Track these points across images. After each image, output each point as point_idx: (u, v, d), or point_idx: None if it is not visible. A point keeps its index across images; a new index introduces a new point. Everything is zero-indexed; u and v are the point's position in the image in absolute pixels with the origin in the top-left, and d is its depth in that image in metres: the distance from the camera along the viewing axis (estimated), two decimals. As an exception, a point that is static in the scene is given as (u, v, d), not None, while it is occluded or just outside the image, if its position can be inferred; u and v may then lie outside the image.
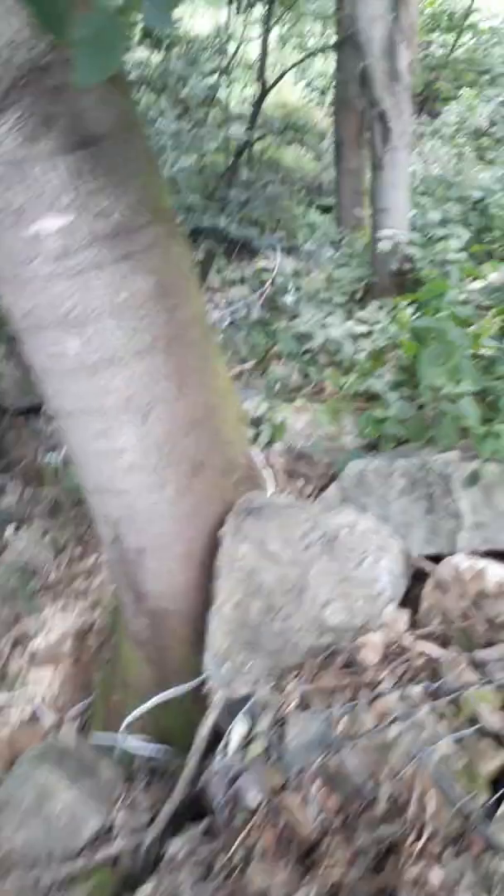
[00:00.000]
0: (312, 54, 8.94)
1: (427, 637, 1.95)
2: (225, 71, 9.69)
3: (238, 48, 9.47)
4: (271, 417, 2.94)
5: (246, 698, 2.14)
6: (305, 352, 4.49)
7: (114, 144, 1.96)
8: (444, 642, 1.94)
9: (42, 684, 3.87)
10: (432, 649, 1.87)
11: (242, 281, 12.27)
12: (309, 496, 2.67)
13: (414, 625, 2.05)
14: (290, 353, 4.43)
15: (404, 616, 2.04)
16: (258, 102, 8.43)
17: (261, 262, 11.31)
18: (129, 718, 2.68)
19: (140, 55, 8.88)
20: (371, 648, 1.87)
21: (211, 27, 9.55)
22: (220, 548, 2.28)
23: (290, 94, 12.22)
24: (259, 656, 2.15)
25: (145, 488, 2.34)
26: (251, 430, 3.09)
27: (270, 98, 10.86)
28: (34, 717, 3.66)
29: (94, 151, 1.92)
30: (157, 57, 8.92)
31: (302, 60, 8.79)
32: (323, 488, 2.72)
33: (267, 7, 7.95)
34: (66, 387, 2.27)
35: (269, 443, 2.89)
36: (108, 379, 2.18)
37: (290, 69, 8.58)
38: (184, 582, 2.50)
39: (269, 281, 11.59)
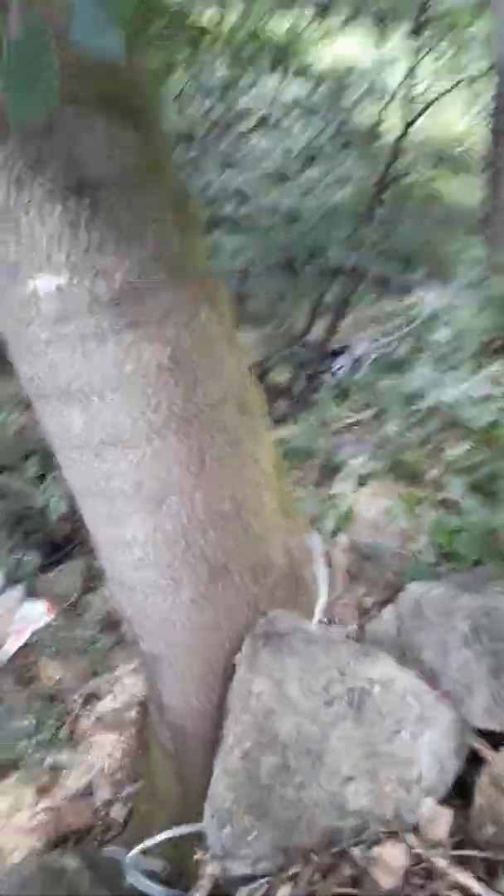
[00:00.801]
0: (461, 82, 8.35)
1: (469, 861, 1.41)
2: (385, 104, 9.33)
3: (403, 80, 9.06)
4: (337, 502, 2.47)
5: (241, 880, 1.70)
6: (417, 411, 3.97)
7: (119, 192, 1.63)
8: (491, 870, 1.40)
9: (103, 752, 3.59)
10: (470, 883, 1.34)
11: (388, 318, 11.78)
12: (367, 611, 2.18)
13: (461, 828, 1.51)
14: (397, 411, 3.93)
15: (446, 817, 1.51)
16: (402, 135, 7.93)
17: (409, 299, 10.77)
18: (141, 846, 2.31)
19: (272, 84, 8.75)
20: (386, 868, 1.37)
21: (355, 58, 9.23)
22: (234, 676, 1.86)
23: (455, 124, 11.66)
24: (266, 826, 1.70)
25: (156, 590, 1.97)
26: (320, 512, 2.65)
27: (429, 128, 10.36)
28: (88, 790, 3.40)
29: (92, 200, 1.60)
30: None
31: (450, 90, 8.22)
32: (388, 601, 2.22)
33: (416, 34, 7.50)
34: (73, 463, 1.96)
35: (335, 532, 2.43)
36: (114, 461, 1.84)
37: (433, 101, 8.01)
38: (202, 704, 2.09)
39: (413, 320, 11.00)
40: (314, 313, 9.59)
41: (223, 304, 1.97)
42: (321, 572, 2.26)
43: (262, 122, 11.22)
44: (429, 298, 11.33)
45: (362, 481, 3.11)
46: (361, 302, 10.63)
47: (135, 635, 2.20)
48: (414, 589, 1.88)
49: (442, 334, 6.42)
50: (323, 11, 8.21)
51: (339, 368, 9.24)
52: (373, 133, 9.50)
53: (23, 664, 4.08)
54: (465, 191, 11.16)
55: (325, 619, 2.09)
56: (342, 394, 8.34)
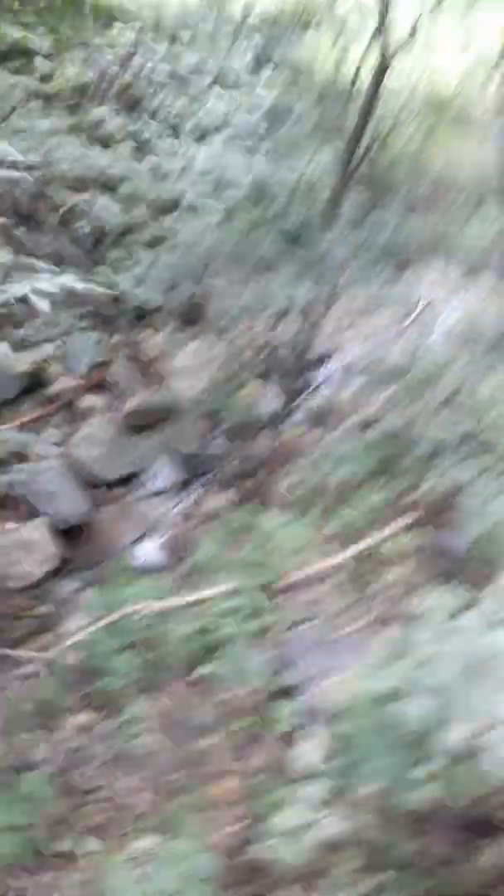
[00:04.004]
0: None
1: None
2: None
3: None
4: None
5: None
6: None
7: None
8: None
9: None
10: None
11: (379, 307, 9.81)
12: None
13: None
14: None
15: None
16: (376, 80, 5.90)
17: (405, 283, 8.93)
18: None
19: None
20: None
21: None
22: None
23: (450, 65, 9.73)
24: None
25: None
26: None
27: (416, 72, 8.44)
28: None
29: None
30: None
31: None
32: None
33: None
34: None
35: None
36: None
37: (413, 33, 5.92)
38: None
39: (416, 311, 9.03)
40: (287, 312, 7.54)
41: None
42: None
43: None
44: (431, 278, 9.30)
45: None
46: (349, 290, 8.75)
47: None
48: None
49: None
50: None
51: (320, 385, 6.97)
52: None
53: None
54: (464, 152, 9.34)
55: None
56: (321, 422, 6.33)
